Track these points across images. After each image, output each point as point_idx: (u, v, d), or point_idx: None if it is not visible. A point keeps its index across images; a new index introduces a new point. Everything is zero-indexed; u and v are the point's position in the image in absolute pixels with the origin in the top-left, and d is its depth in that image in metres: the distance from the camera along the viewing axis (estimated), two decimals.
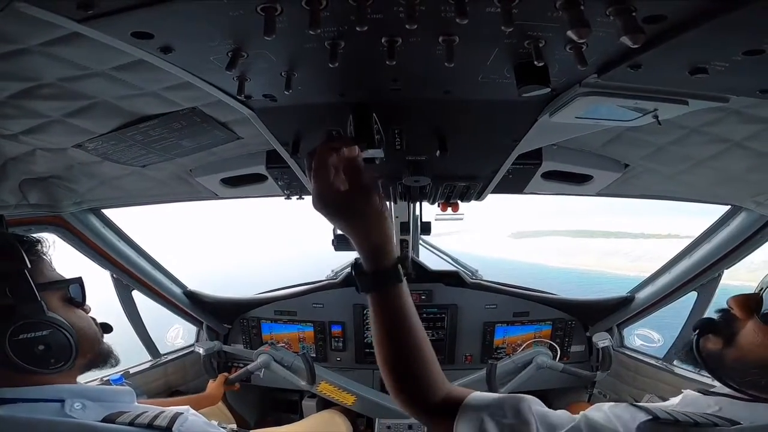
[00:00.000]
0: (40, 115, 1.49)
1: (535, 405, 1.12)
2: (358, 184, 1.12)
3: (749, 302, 1.13)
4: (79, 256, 2.56)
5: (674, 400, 1.27)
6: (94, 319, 1.38)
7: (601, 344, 3.01)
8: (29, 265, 1.21)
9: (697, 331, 1.24)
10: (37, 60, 1.19)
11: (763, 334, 1.07)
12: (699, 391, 1.20)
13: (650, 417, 1.03)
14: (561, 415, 1.12)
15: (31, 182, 1.97)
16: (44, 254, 1.32)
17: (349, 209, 1.11)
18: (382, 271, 1.14)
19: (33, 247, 1.29)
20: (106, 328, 1.41)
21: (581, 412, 1.13)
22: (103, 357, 1.38)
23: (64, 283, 1.32)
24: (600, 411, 1.12)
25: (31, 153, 1.74)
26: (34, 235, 1.34)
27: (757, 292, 1.14)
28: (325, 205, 1.10)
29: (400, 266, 1.15)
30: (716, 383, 1.21)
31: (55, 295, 1.28)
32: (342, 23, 0.82)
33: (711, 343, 1.19)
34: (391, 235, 1.16)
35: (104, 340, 1.41)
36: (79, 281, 1.36)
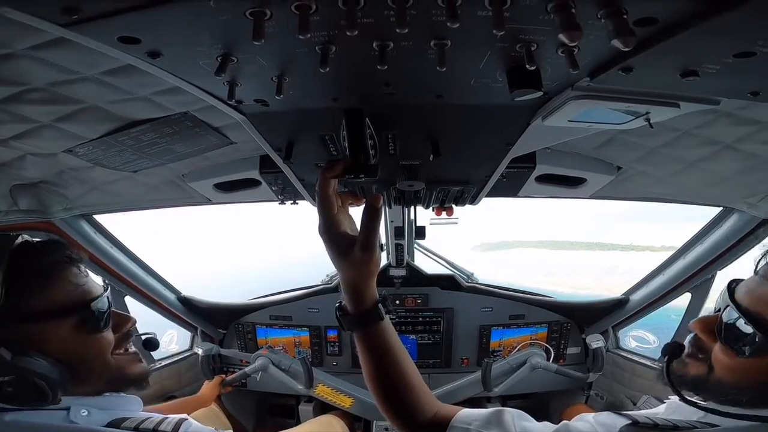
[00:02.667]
0: (30, 120, 1.47)
1: (519, 419, 1.19)
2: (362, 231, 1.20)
3: (710, 325, 1.14)
4: None
5: (660, 408, 1.30)
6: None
7: (594, 345, 3.03)
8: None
9: (666, 357, 1.25)
10: (25, 64, 1.17)
11: (730, 357, 1.07)
12: (682, 401, 1.19)
13: (630, 422, 1.06)
14: (542, 428, 1.19)
15: (21, 188, 1.95)
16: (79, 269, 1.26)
17: (347, 253, 1.19)
18: (364, 311, 1.25)
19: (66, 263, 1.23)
20: (150, 344, 1.40)
21: (563, 421, 1.19)
22: (132, 380, 1.31)
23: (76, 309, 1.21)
24: (583, 421, 1.17)
25: (21, 158, 1.72)
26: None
27: (715, 314, 1.14)
28: (327, 240, 1.20)
29: (381, 306, 1.25)
30: None
31: (68, 320, 1.20)
32: (332, 28, 0.81)
33: (691, 367, 1.19)
34: (374, 279, 1.25)
35: (143, 360, 1.36)
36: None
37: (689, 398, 1.17)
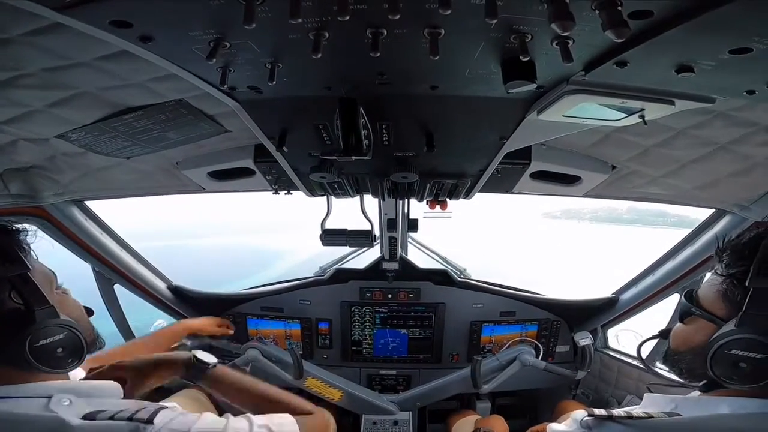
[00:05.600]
0: (23, 105, 1.47)
1: None
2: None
3: None
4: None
5: (640, 403, 1.41)
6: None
7: (582, 342, 3.03)
8: (30, 267, 1.20)
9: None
10: (19, 50, 1.17)
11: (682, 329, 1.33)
12: (652, 391, 1.38)
13: (588, 414, 1.23)
14: None
15: (13, 172, 1.94)
16: (28, 245, 1.30)
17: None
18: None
19: (19, 239, 1.27)
20: (89, 312, 1.42)
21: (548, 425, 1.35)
22: (95, 343, 1.39)
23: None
24: (564, 421, 1.32)
25: (13, 143, 1.71)
26: (16, 225, 1.31)
27: None
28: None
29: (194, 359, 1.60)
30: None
31: (51, 286, 1.28)
32: (324, 13, 0.81)
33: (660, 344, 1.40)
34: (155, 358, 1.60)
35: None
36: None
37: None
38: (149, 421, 1.14)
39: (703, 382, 1.24)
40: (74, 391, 1.21)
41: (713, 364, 1.13)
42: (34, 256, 1.31)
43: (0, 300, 1.15)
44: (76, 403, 1.18)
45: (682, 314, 1.31)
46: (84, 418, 1.14)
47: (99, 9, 0.79)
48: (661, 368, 2.83)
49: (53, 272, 1.33)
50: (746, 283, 1.11)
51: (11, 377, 1.16)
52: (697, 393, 1.31)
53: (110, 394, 1.30)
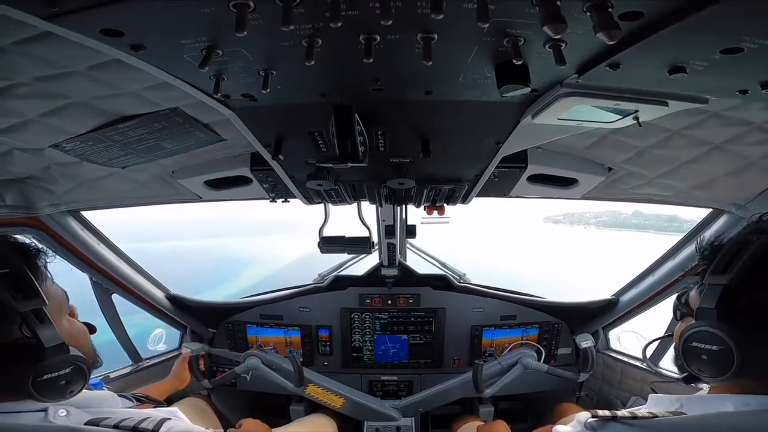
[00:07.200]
0: (16, 115, 1.46)
1: None
2: None
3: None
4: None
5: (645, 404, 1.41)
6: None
7: (583, 344, 3.02)
8: (47, 301, 1.15)
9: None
10: (11, 59, 1.16)
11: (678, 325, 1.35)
12: (656, 390, 1.39)
13: (592, 415, 1.23)
14: None
15: (8, 183, 1.93)
16: (46, 266, 1.26)
17: None
18: None
19: (38, 265, 1.22)
20: (92, 329, 1.39)
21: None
22: (94, 365, 1.36)
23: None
24: (566, 423, 1.33)
25: (7, 153, 1.70)
26: (35, 242, 1.28)
27: None
28: None
29: None
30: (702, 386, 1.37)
31: (61, 311, 1.26)
32: (317, 20, 0.81)
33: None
34: None
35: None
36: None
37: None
38: (155, 431, 1.14)
39: (684, 374, 1.30)
40: (70, 402, 1.20)
41: (684, 357, 1.19)
42: (50, 280, 1.27)
43: (7, 331, 1.10)
44: (74, 413, 1.17)
45: (675, 312, 1.39)
46: (87, 424, 1.14)
47: (89, 18, 0.79)
48: (664, 368, 2.84)
49: (65, 293, 1.30)
50: (703, 280, 1.18)
51: (6, 398, 1.15)
52: (702, 392, 1.33)
53: (107, 405, 1.29)
